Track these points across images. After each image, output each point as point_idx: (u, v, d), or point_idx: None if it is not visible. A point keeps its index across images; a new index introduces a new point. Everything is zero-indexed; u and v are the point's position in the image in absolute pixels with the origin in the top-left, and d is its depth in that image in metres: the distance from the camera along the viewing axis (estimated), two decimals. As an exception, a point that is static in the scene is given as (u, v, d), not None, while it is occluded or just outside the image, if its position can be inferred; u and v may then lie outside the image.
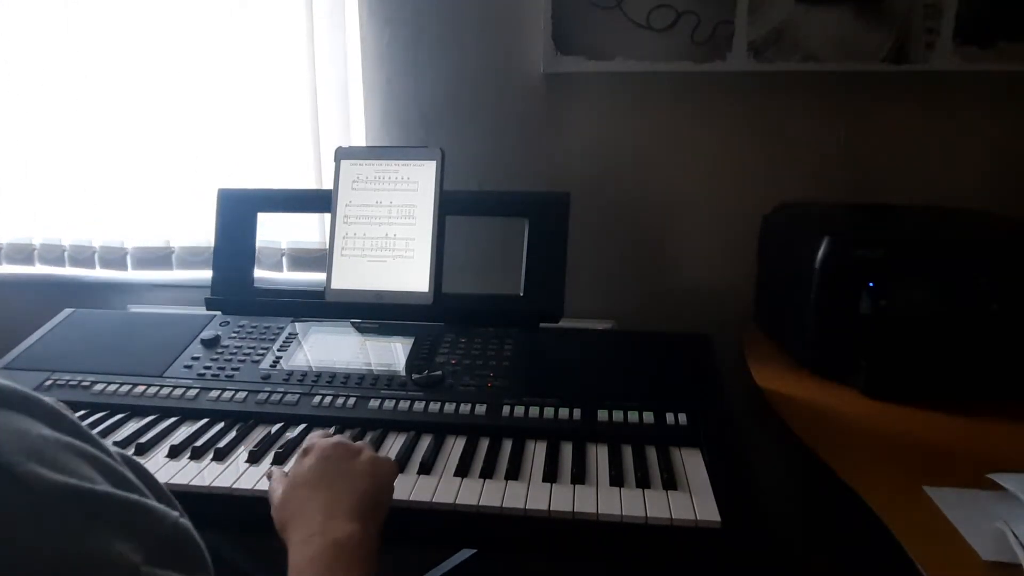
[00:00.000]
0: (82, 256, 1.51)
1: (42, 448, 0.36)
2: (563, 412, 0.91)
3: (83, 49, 1.41)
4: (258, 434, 0.91)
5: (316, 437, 0.77)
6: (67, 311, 1.19)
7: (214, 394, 0.97)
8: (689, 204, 1.38)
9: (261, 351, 1.06)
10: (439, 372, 0.98)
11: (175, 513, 0.39)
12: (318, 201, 1.22)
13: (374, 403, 0.94)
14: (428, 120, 1.39)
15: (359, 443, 0.77)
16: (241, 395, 0.97)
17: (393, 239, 1.13)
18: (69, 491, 0.35)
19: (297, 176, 1.41)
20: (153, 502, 0.39)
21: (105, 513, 0.36)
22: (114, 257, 1.50)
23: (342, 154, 1.16)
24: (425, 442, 0.88)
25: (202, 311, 1.17)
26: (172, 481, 0.81)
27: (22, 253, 1.53)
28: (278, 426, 0.92)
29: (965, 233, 1.07)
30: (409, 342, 1.06)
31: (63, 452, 0.36)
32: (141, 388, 0.99)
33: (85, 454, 0.37)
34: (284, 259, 1.46)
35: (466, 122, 1.38)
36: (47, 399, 0.40)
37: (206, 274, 1.35)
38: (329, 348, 1.06)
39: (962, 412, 0.94)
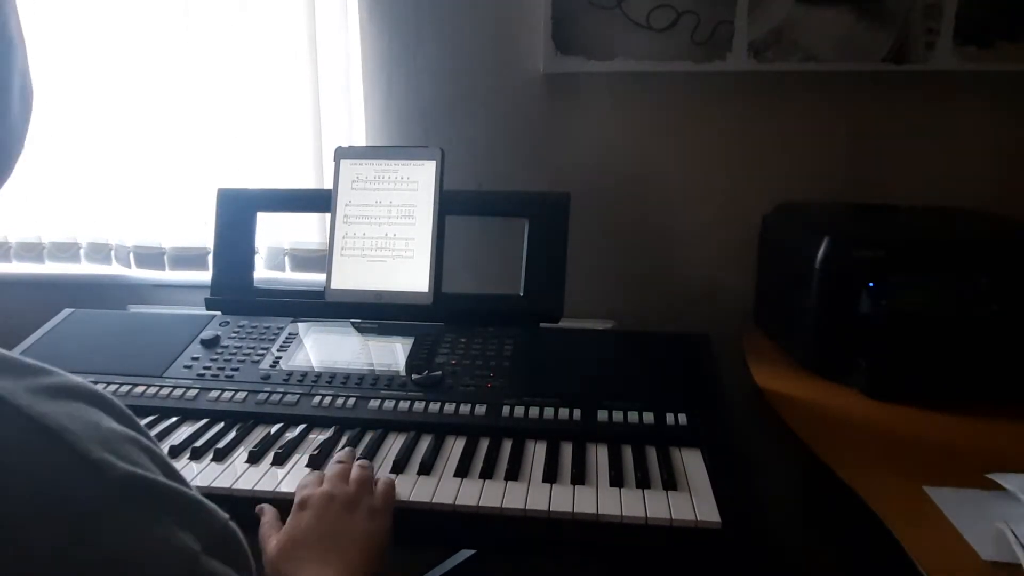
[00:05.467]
0: (98, 255, 1.52)
1: (111, 439, 0.37)
2: (563, 412, 0.91)
3: (83, 49, 1.40)
4: (258, 434, 0.91)
5: (312, 486, 0.74)
6: (67, 311, 1.19)
7: (214, 394, 0.97)
8: (689, 204, 1.38)
9: (261, 351, 1.06)
10: (439, 372, 0.98)
11: (226, 515, 0.41)
12: (318, 201, 1.22)
13: (374, 403, 0.94)
14: (428, 120, 1.39)
15: (354, 487, 0.74)
16: (241, 395, 0.97)
17: (393, 239, 1.13)
18: (137, 480, 0.36)
19: (297, 176, 1.41)
20: (205, 500, 0.40)
21: (168, 503, 0.37)
22: (119, 256, 1.51)
23: (342, 154, 1.16)
24: (425, 442, 0.88)
25: (202, 311, 1.17)
26: (172, 481, 0.81)
27: (32, 251, 1.54)
28: (278, 426, 0.92)
29: (965, 233, 1.07)
30: (409, 342, 1.06)
31: (128, 445, 0.38)
32: (141, 388, 0.99)
33: (147, 450, 0.39)
34: (285, 259, 1.46)
35: (466, 122, 1.38)
36: (113, 398, 0.41)
37: (206, 274, 1.35)
38: (329, 348, 1.06)
39: (962, 412, 0.94)
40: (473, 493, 0.78)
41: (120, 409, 0.41)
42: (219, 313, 1.16)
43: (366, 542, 0.70)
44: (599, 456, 0.85)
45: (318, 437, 0.90)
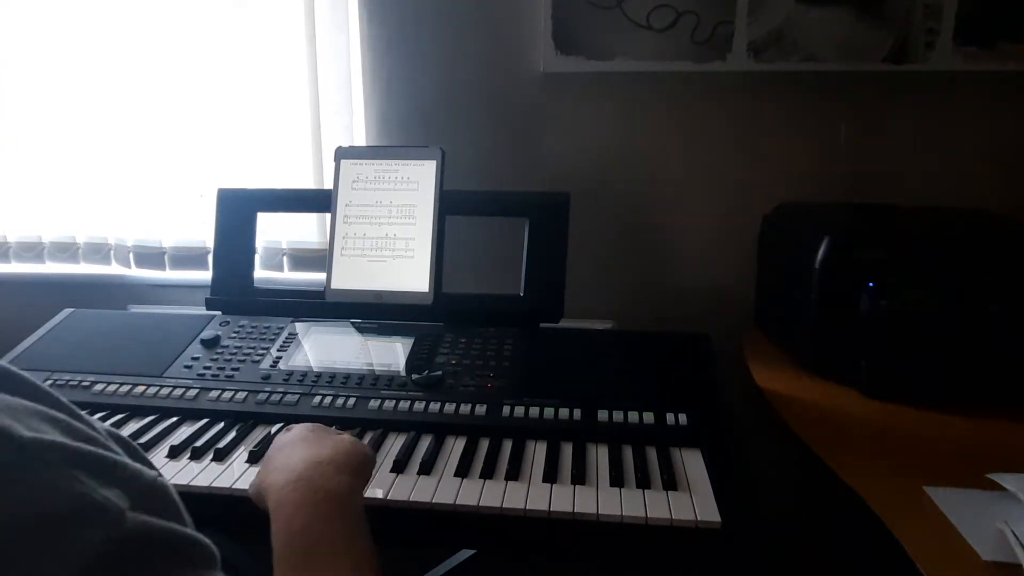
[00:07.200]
0: (97, 254, 1.52)
1: (15, 409, 0.37)
2: (563, 412, 0.91)
3: (84, 49, 1.41)
4: (258, 434, 0.91)
5: None
6: (67, 311, 1.19)
7: (214, 394, 0.97)
8: (689, 204, 1.38)
9: (261, 351, 1.06)
10: (439, 372, 0.98)
11: (153, 472, 0.41)
12: (318, 201, 1.22)
13: (374, 403, 0.94)
14: (428, 120, 1.39)
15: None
16: (241, 395, 0.97)
17: (393, 239, 1.13)
18: (46, 443, 0.36)
19: (297, 176, 1.41)
20: (130, 461, 0.40)
21: (85, 464, 0.37)
22: (118, 256, 1.51)
23: (342, 154, 1.16)
24: (425, 442, 0.88)
25: (202, 311, 1.17)
26: (172, 482, 0.80)
27: (32, 251, 1.53)
28: (278, 426, 0.91)
29: (965, 233, 1.07)
30: (409, 342, 1.06)
31: (35, 417, 0.38)
32: (141, 388, 0.99)
33: (56, 421, 0.39)
34: (284, 259, 1.46)
35: (466, 122, 1.38)
36: (23, 375, 0.41)
37: (206, 274, 1.35)
38: (329, 348, 1.06)
39: (962, 412, 0.94)
40: (473, 493, 0.78)
41: (30, 384, 0.40)
42: (219, 313, 1.16)
43: (350, 447, 0.69)
44: (599, 456, 0.85)
45: (318, 437, 0.90)
